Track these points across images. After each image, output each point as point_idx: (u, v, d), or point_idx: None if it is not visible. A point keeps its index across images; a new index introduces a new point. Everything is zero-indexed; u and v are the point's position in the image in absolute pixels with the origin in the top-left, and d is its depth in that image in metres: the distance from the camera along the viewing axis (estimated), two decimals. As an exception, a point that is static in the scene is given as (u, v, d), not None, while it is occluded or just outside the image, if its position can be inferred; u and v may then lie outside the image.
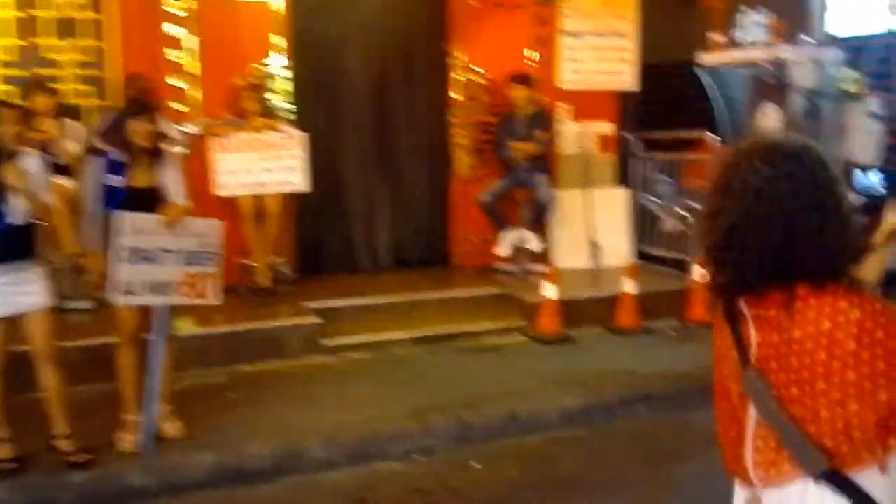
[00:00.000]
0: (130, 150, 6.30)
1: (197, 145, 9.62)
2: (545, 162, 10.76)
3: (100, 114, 9.36)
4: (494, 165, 11.05)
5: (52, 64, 9.57)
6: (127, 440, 6.39)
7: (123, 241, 6.08)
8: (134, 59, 9.50)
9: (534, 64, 11.23)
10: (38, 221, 6.08)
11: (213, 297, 6.53)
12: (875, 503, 2.36)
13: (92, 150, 8.28)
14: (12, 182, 5.72)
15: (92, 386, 7.29)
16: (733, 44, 10.28)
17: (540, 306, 9.26)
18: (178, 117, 9.58)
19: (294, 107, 10.40)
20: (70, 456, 6.14)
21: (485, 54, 11.13)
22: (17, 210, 5.82)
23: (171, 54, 9.76)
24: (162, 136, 7.40)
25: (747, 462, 2.53)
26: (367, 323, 9.28)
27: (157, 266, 6.21)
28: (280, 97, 10.25)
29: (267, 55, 10.20)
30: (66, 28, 9.59)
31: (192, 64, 9.84)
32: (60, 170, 8.39)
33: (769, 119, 9.55)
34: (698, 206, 10.44)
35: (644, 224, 11.59)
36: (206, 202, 9.25)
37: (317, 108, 10.87)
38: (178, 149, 9.03)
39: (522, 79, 10.68)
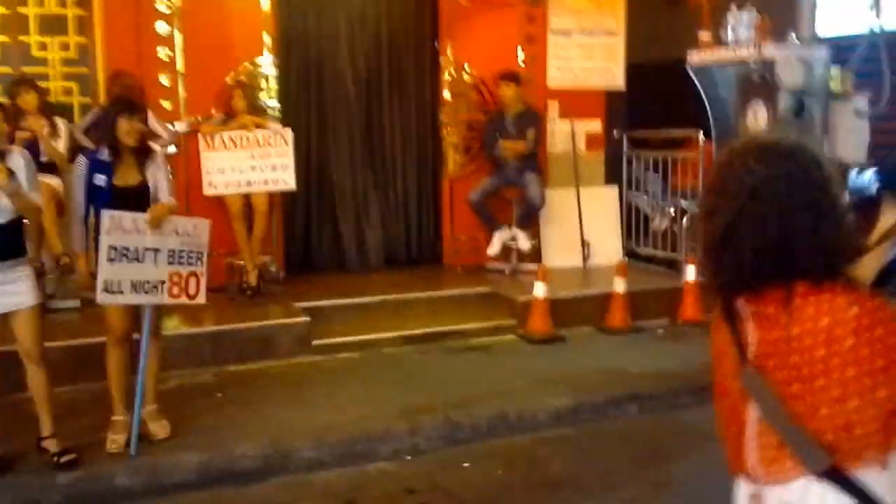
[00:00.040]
0: (116, 149, 6.25)
1: (185, 144, 9.61)
2: (535, 161, 10.75)
3: (85, 111, 9.31)
4: (484, 164, 11.03)
5: (38, 61, 9.51)
6: (114, 440, 6.33)
7: (106, 240, 6.03)
8: (120, 56, 9.43)
9: (523, 62, 11.20)
10: (24, 220, 6.04)
11: (199, 297, 6.48)
12: (876, 500, 2.35)
13: (78, 148, 8.25)
14: (-1, 181, 5.67)
15: (79, 386, 7.27)
16: (721, 43, 10.26)
17: (530, 305, 9.23)
18: (165, 115, 9.53)
19: (282, 105, 10.38)
20: (56, 456, 6.07)
21: (474, 52, 11.13)
22: (4, 209, 5.77)
23: (158, 51, 9.73)
24: (149, 135, 7.38)
25: (749, 459, 2.52)
26: (356, 322, 9.24)
27: (142, 265, 6.16)
28: (268, 95, 10.20)
29: (255, 53, 10.16)
30: (52, 25, 9.53)
31: (178, 61, 9.80)
32: (47, 168, 8.36)
33: (757, 118, 9.53)
34: (688, 205, 10.46)
35: (634, 223, 11.57)
36: (194, 201, 9.30)
37: (306, 106, 10.93)
38: (165, 147, 9.03)
39: (511, 77, 10.67)
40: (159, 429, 6.54)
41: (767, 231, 2.38)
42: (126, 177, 6.29)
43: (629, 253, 11.29)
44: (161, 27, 9.71)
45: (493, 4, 11.09)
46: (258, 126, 9.45)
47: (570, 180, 11.15)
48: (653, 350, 8.91)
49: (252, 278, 9.50)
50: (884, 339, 2.29)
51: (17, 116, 8.44)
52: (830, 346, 2.31)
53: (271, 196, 9.66)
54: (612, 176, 11.74)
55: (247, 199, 9.44)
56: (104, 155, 6.28)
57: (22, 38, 9.45)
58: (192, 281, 6.39)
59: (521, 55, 11.26)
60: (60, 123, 8.82)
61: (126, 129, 6.20)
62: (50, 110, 8.89)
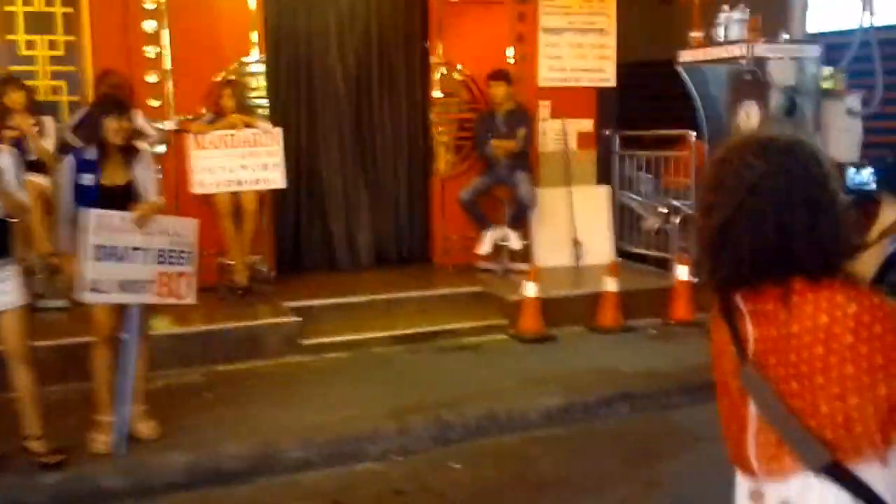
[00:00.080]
0: (103, 148, 6.21)
1: (173, 142, 9.57)
2: (526, 160, 10.72)
3: (73, 110, 9.25)
4: (475, 163, 11.00)
5: (26, 60, 9.44)
6: (100, 440, 6.28)
7: (89, 239, 5.99)
8: (108, 54, 9.39)
9: (513, 60, 11.17)
10: (11, 220, 5.99)
11: (187, 297, 6.45)
12: (876, 496, 2.34)
13: (66, 147, 8.20)
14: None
15: (66, 386, 7.23)
16: (712, 42, 10.24)
17: (521, 305, 9.20)
18: (154, 114, 9.50)
19: (272, 104, 10.33)
20: (42, 457, 6.03)
21: (464, 51, 11.09)
22: (-8, 208, 5.73)
23: (146, 50, 9.69)
24: (137, 133, 7.34)
25: (750, 455, 2.51)
26: (346, 322, 9.19)
27: (127, 264, 6.12)
28: (257, 94, 10.16)
29: (244, 51, 10.12)
30: (40, 23, 9.46)
31: (166, 60, 9.76)
32: (35, 167, 8.31)
33: (749, 117, 9.51)
34: (679, 205, 10.43)
35: (625, 222, 11.54)
36: (183, 200, 9.26)
37: (295, 105, 10.91)
38: (154, 146, 9.00)
39: (502, 76, 10.63)
40: (147, 429, 6.50)
41: (766, 227, 2.37)
42: (113, 176, 6.25)
43: (621, 252, 11.26)
44: (149, 25, 9.65)
45: (483, 2, 11.07)
46: (247, 125, 9.40)
47: (562, 180, 11.13)
48: (644, 349, 8.88)
49: (241, 278, 9.46)
50: (883, 336, 2.28)
51: (5, 115, 8.43)
52: (829, 344, 2.30)
53: (261, 195, 9.60)
54: (604, 175, 11.71)
55: (236, 198, 9.38)
56: (91, 154, 6.24)
57: (9, 36, 9.39)
58: (181, 281, 6.37)
59: (511, 54, 11.21)
60: (48, 122, 8.77)
61: (113, 128, 6.17)
62: (38, 109, 8.84)
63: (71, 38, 9.50)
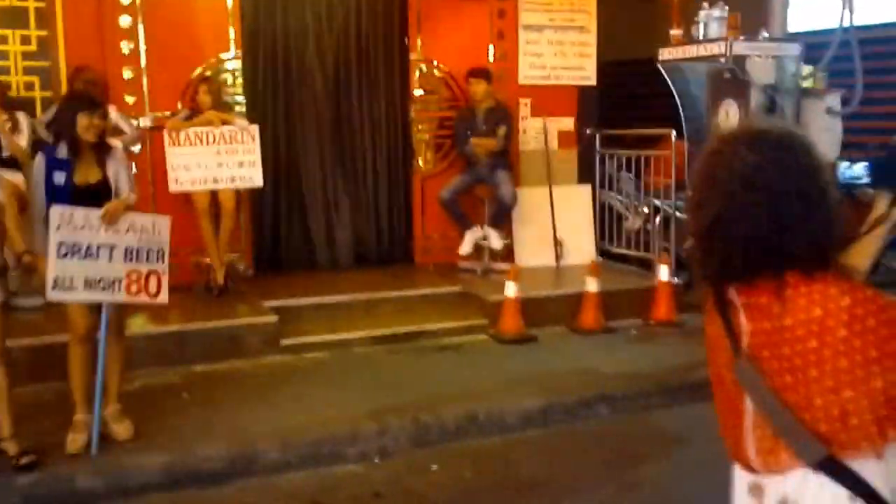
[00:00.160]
0: (75, 145, 6.13)
1: (149, 139, 9.49)
2: (506, 158, 10.68)
3: (47, 105, 9.14)
4: (456, 161, 10.96)
5: (-2, 55, 9.38)
6: (74, 440, 6.20)
7: (55, 236, 5.94)
8: (82, 49, 9.30)
9: (493, 58, 11.12)
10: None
11: (160, 296, 6.36)
12: (873, 491, 2.34)
13: (39, 143, 8.10)
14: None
15: (42, 385, 7.18)
16: (692, 40, 10.21)
17: (501, 305, 9.14)
18: (129, 110, 9.43)
19: (249, 101, 10.28)
20: (16, 458, 5.94)
21: (444, 48, 11.05)
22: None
23: (121, 45, 9.60)
24: (115, 131, 7.24)
25: (748, 449, 2.51)
26: (326, 322, 9.15)
27: (95, 262, 6.05)
28: (234, 90, 10.09)
29: (221, 48, 10.06)
30: (12, 18, 9.36)
31: (142, 55, 9.68)
32: (8, 164, 8.23)
33: (729, 116, 9.48)
34: (661, 204, 10.41)
35: (607, 222, 11.50)
36: (160, 198, 9.20)
37: (273, 102, 10.84)
38: (131, 144, 8.93)
39: (481, 73, 10.59)
40: (122, 430, 6.43)
41: (758, 220, 2.37)
42: (86, 174, 6.19)
43: (602, 252, 11.23)
44: (124, 20, 9.57)
45: (463, -1, 11.03)
46: (224, 122, 9.33)
47: (543, 179, 11.07)
48: (625, 350, 8.83)
49: (219, 277, 9.38)
50: (876, 329, 2.27)
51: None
52: (823, 338, 2.30)
53: (239, 193, 9.53)
54: (585, 174, 11.67)
55: (213, 196, 9.31)
56: (62, 152, 6.15)
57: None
58: (153, 279, 6.28)
59: (491, 51, 11.17)
60: (22, 118, 8.66)
61: (85, 124, 6.09)
62: (11, 105, 8.71)
63: (43, 32, 9.39)
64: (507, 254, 10.66)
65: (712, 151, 2.50)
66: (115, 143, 6.61)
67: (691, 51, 10.11)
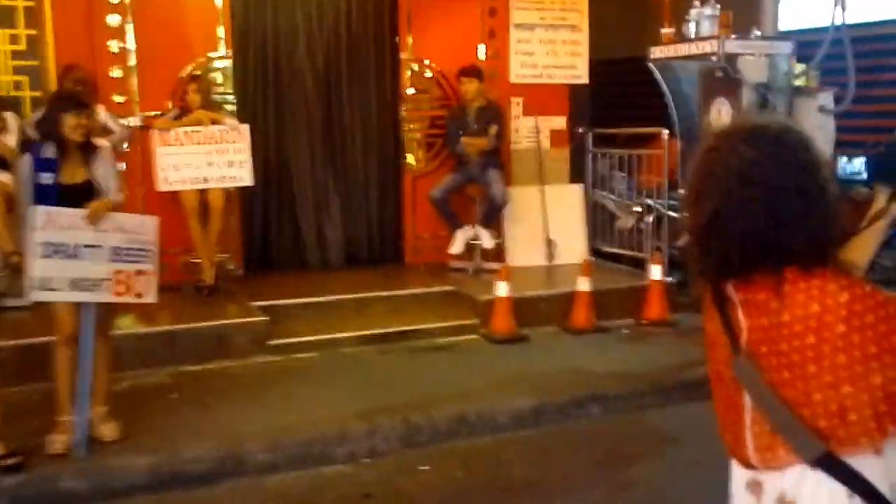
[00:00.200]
0: (61, 145, 6.09)
1: (138, 139, 9.44)
2: (498, 157, 10.63)
3: (36, 105, 9.08)
4: (447, 161, 10.93)
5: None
6: (59, 441, 6.15)
7: (39, 236, 5.88)
8: (71, 48, 9.23)
9: (484, 57, 11.08)
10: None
11: (147, 296, 6.31)
12: (872, 487, 2.33)
13: (27, 143, 8.05)
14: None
15: (29, 386, 7.11)
16: (683, 37, 10.18)
17: (493, 305, 9.09)
18: (118, 109, 9.36)
19: (239, 100, 10.23)
20: (2, 459, 5.88)
21: (434, 46, 11.00)
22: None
23: (110, 44, 9.56)
24: (104, 130, 7.18)
25: (746, 446, 2.49)
26: (315, 322, 9.09)
27: (80, 262, 5.99)
28: (224, 90, 10.03)
29: (210, 46, 10.00)
30: (1, 17, 9.28)
31: (131, 54, 9.62)
32: (-4, 164, 8.19)
33: (721, 114, 9.45)
34: (654, 203, 10.37)
35: (599, 221, 11.45)
36: (149, 197, 9.16)
37: (263, 101, 10.84)
38: (121, 143, 8.90)
39: (473, 72, 10.55)
40: (108, 431, 6.37)
41: (756, 215, 2.36)
42: (73, 174, 6.15)
43: (594, 252, 11.18)
44: (113, 19, 9.52)
45: (454, -3, 10.99)
46: (214, 121, 9.29)
47: (535, 178, 11.05)
48: (617, 350, 8.79)
49: (208, 276, 9.35)
50: (875, 326, 2.26)
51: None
52: (821, 333, 2.29)
53: (228, 193, 9.50)
54: (577, 174, 11.63)
55: (203, 195, 9.27)
56: (49, 152, 6.10)
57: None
58: (140, 279, 6.23)
59: (482, 50, 11.12)
60: (10, 118, 8.59)
61: (71, 124, 6.05)
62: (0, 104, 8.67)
63: (33, 31, 9.31)
64: (499, 253, 10.62)
65: (709, 147, 2.49)
66: (103, 142, 6.56)
67: (683, 49, 10.08)
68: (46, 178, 6.03)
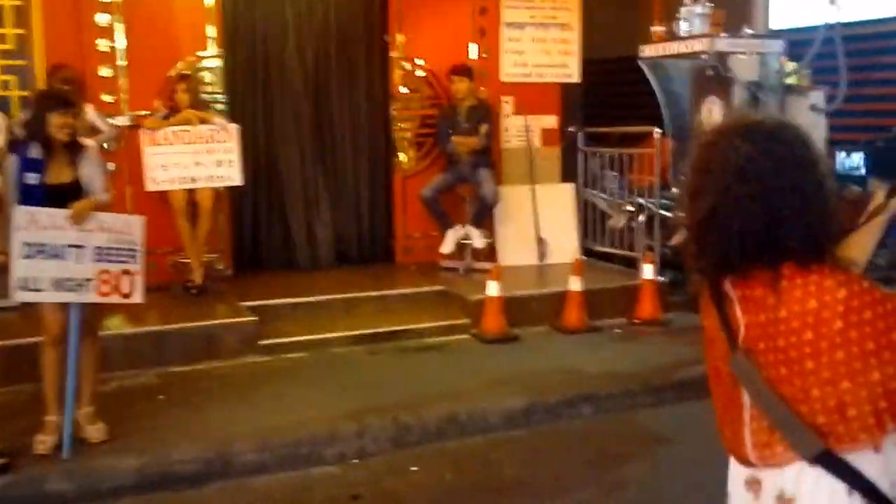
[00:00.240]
0: (47, 145, 6.04)
1: (127, 138, 9.39)
2: (488, 156, 10.60)
3: (24, 105, 9.02)
4: (438, 160, 10.89)
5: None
6: (43, 441, 6.11)
7: (20, 236, 5.85)
8: (59, 47, 9.18)
9: (475, 55, 11.04)
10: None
11: (134, 296, 6.26)
12: (872, 485, 2.33)
13: (15, 143, 8.01)
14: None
15: (15, 387, 7.12)
16: (674, 36, 10.15)
17: (484, 304, 9.05)
18: (107, 109, 9.33)
19: (228, 99, 10.19)
20: (-16, 460, 5.86)
21: (425, 45, 10.96)
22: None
23: (99, 43, 9.51)
24: (93, 129, 7.12)
25: (745, 443, 2.49)
26: (305, 322, 9.06)
27: (63, 262, 5.94)
28: (213, 89, 9.99)
29: (199, 46, 9.96)
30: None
31: (119, 54, 9.57)
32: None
33: (712, 113, 9.43)
34: (645, 202, 10.35)
35: (591, 220, 11.42)
36: (138, 197, 9.13)
37: (252, 100, 10.81)
38: (107, 142, 8.85)
39: (463, 71, 10.52)
40: (95, 432, 6.33)
41: (753, 211, 2.36)
42: (59, 174, 6.11)
43: (586, 251, 11.14)
44: (102, 18, 9.48)
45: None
46: (203, 121, 9.24)
47: (526, 177, 11.02)
48: (608, 350, 8.75)
49: (197, 276, 9.30)
50: (873, 322, 2.26)
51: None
52: (818, 329, 2.29)
53: (217, 192, 9.46)
54: (569, 173, 11.59)
55: (191, 195, 9.23)
56: (35, 152, 6.06)
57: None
58: (126, 279, 6.18)
59: (473, 48, 11.09)
60: (-1, 117, 8.57)
61: (57, 124, 6.00)
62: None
63: (21, 31, 9.23)
64: (490, 253, 10.58)
65: (707, 143, 2.50)
66: (89, 142, 6.51)
67: (673, 47, 10.05)
68: (32, 178, 6.01)
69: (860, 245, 2.96)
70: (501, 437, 6.94)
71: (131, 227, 6.29)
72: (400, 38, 10.87)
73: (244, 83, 10.70)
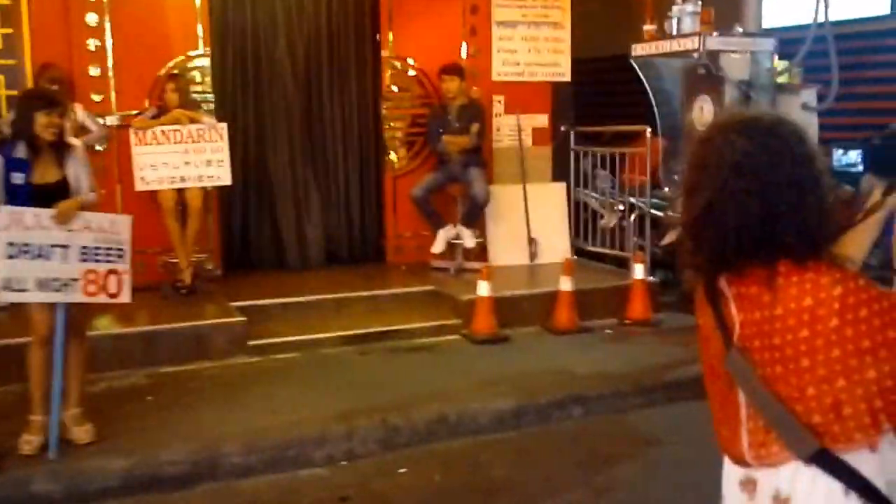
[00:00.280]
0: (33, 144, 6.01)
1: (116, 138, 9.36)
2: (479, 156, 10.57)
3: (11, 104, 8.97)
4: (428, 159, 10.87)
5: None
6: (28, 441, 6.08)
7: (3, 236, 5.80)
8: (48, 47, 9.18)
9: (466, 55, 11.02)
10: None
11: (121, 295, 6.23)
12: (869, 484, 2.31)
13: (3, 142, 7.97)
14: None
15: (4, 388, 7.10)
16: (665, 34, 10.11)
17: (474, 304, 9.01)
18: (95, 108, 9.31)
19: (218, 99, 10.18)
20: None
21: (416, 44, 10.93)
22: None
23: (88, 43, 9.48)
24: (82, 129, 7.09)
25: (742, 442, 2.48)
26: (295, 322, 9.02)
27: (47, 262, 5.90)
28: (202, 88, 9.96)
29: (189, 45, 9.93)
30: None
31: (109, 53, 9.54)
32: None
33: (703, 112, 9.40)
34: (637, 201, 10.33)
35: (582, 220, 11.40)
36: (127, 196, 9.10)
37: (243, 100, 10.77)
38: (96, 141, 8.83)
39: (454, 70, 10.48)
40: (82, 433, 6.28)
41: (749, 207, 2.35)
42: (45, 174, 6.08)
43: (578, 251, 11.12)
44: (91, 18, 9.44)
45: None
46: (192, 120, 9.21)
47: (517, 176, 10.98)
48: (599, 350, 8.71)
49: (186, 276, 9.27)
50: (869, 320, 2.25)
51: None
52: (814, 327, 2.28)
53: (207, 192, 9.43)
54: (560, 172, 11.57)
55: (181, 195, 9.19)
56: (20, 152, 6.02)
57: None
58: (112, 279, 6.15)
59: (464, 47, 11.06)
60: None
61: (43, 123, 5.97)
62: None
63: (9, 30, 9.20)
64: (481, 252, 10.55)
65: (703, 139, 2.49)
66: (75, 141, 6.48)
67: (664, 46, 10.00)
68: (17, 178, 5.96)
69: (857, 242, 2.96)
70: (491, 439, 6.90)
71: (118, 226, 6.25)
72: (391, 36, 10.84)
73: (233, 82, 10.67)
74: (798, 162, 2.37)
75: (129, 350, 8.01)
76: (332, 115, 11.11)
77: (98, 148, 9.21)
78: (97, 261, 6.08)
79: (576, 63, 11.63)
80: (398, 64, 10.90)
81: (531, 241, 10.86)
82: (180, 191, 9.17)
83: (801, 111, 9.38)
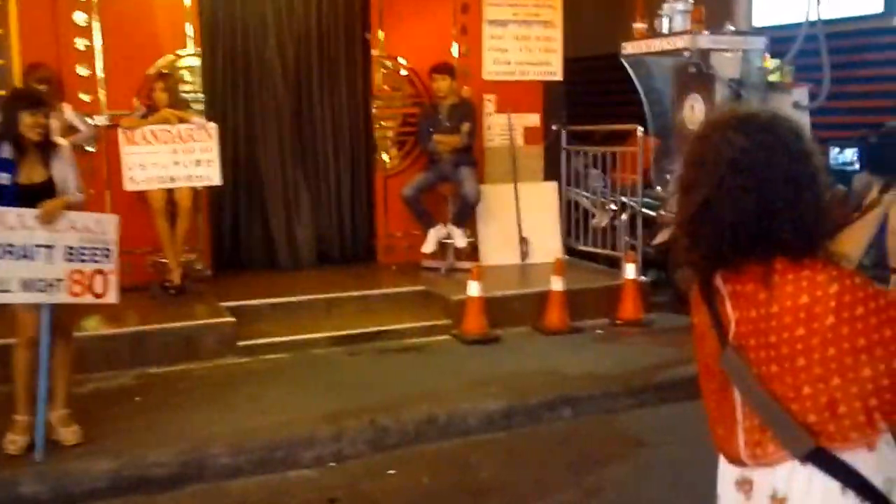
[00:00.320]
0: (19, 144, 5.98)
1: (105, 138, 9.32)
2: (470, 155, 10.54)
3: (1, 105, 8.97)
4: (419, 159, 10.84)
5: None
6: (13, 441, 6.06)
7: None
8: (36, 46, 9.13)
9: (457, 54, 10.99)
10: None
11: (108, 296, 6.19)
12: (866, 482, 2.31)
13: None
14: None
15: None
16: (655, 33, 10.09)
17: (465, 305, 8.97)
18: (84, 108, 9.27)
19: (208, 98, 10.14)
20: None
21: (406, 43, 10.89)
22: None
23: (76, 42, 9.43)
24: (70, 129, 7.05)
25: (737, 442, 2.47)
26: (285, 322, 9.00)
27: (31, 262, 5.87)
28: (192, 88, 9.92)
29: (178, 44, 9.88)
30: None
31: (97, 52, 9.50)
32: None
33: (694, 110, 9.38)
34: (629, 200, 10.31)
35: (574, 219, 11.37)
36: (116, 196, 9.06)
37: (233, 99, 10.75)
38: (84, 141, 8.80)
39: (445, 69, 10.46)
40: (69, 434, 6.25)
41: (746, 204, 2.35)
42: (31, 174, 6.05)
43: (569, 250, 11.09)
44: (79, 17, 9.40)
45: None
46: (181, 120, 9.18)
47: (508, 176, 10.95)
48: (590, 351, 8.67)
49: (175, 276, 9.23)
50: (865, 318, 2.25)
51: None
52: (810, 325, 2.28)
53: (196, 192, 9.40)
54: (551, 171, 11.54)
55: (170, 194, 9.15)
56: (6, 152, 5.99)
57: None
58: (99, 279, 6.11)
59: (455, 46, 11.03)
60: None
61: (29, 123, 5.94)
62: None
63: (-3, 30, 9.19)
64: (472, 252, 10.53)
65: (700, 137, 2.49)
66: (62, 141, 6.45)
67: (655, 45, 9.98)
68: (3, 178, 5.94)
69: (854, 240, 2.95)
70: (481, 440, 6.88)
71: (104, 226, 6.21)
72: (381, 35, 10.81)
73: (223, 82, 10.64)
74: (795, 158, 2.37)
75: (118, 351, 7.97)
76: (323, 114, 11.07)
77: (88, 148, 9.17)
78: (83, 261, 6.04)
79: (567, 62, 11.60)
80: (389, 63, 10.86)
81: (522, 241, 10.84)
82: (170, 191, 9.13)
83: (793, 110, 9.37)
